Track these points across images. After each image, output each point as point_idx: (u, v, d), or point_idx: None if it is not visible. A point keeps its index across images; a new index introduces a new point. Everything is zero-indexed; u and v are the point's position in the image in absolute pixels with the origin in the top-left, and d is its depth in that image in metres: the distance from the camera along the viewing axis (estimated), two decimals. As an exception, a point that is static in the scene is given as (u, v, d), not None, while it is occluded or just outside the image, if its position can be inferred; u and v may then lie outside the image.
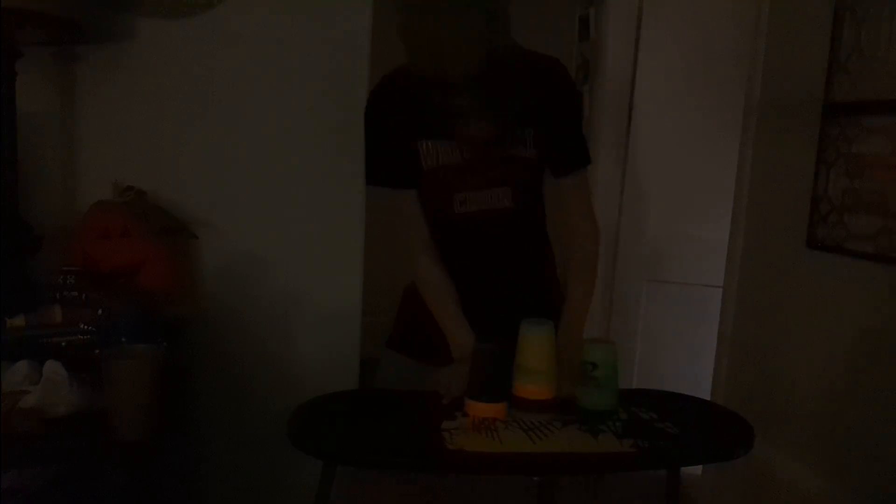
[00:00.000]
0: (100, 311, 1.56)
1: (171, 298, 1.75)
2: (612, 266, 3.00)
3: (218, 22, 1.94)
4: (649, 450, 1.23)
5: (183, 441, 1.82)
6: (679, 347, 2.94)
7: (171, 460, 1.53)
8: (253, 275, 2.05)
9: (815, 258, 1.99)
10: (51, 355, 1.36)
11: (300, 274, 2.07)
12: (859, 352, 1.83)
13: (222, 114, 1.97)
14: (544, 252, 1.66)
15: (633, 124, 2.94)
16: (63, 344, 1.51)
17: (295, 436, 1.25)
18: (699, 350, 2.70)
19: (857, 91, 1.85)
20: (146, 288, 1.69)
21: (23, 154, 1.70)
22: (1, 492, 1.04)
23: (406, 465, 1.30)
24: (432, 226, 1.54)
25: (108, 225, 1.74)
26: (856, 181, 1.84)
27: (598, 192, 2.91)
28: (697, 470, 2.51)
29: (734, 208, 2.44)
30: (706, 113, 2.81)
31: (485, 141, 1.44)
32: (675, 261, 2.93)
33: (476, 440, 1.24)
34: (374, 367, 1.71)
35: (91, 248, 1.71)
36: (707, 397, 2.35)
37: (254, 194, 2.03)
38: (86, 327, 1.54)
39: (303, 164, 2.04)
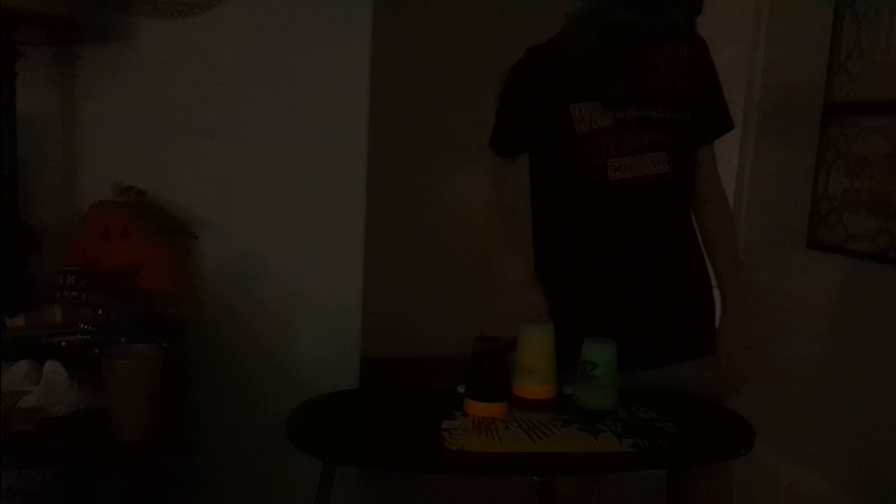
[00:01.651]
0: (100, 311, 1.56)
1: (171, 298, 1.75)
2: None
3: (218, 22, 1.94)
4: (649, 450, 1.23)
5: (183, 441, 1.81)
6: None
7: (171, 460, 1.53)
8: (253, 275, 2.05)
9: (815, 258, 1.99)
10: (51, 355, 1.36)
11: (300, 274, 2.07)
12: (859, 351, 1.83)
13: (222, 114, 1.97)
14: (691, 224, 1.58)
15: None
16: (63, 344, 1.51)
17: (294, 436, 1.25)
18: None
19: (857, 91, 1.85)
20: (146, 288, 1.69)
21: (23, 154, 1.70)
22: (1, 492, 1.04)
23: (406, 465, 1.30)
24: (582, 196, 1.47)
25: (108, 225, 1.74)
26: (856, 181, 1.84)
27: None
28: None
29: (734, 208, 2.44)
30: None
31: (640, 102, 1.39)
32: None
33: (476, 440, 1.24)
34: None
35: (91, 248, 1.71)
36: (707, 397, 2.35)
37: (254, 194, 2.02)
38: (86, 327, 1.54)
39: (303, 163, 2.04)
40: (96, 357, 1.32)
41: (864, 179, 1.81)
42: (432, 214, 4.14)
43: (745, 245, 2.38)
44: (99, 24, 1.85)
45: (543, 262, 1.59)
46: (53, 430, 1.21)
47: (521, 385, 1.37)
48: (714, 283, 1.59)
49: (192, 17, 1.93)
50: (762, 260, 2.31)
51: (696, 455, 1.36)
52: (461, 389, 1.38)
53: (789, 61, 2.20)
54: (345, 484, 2.03)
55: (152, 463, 1.25)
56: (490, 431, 1.27)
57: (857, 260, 1.82)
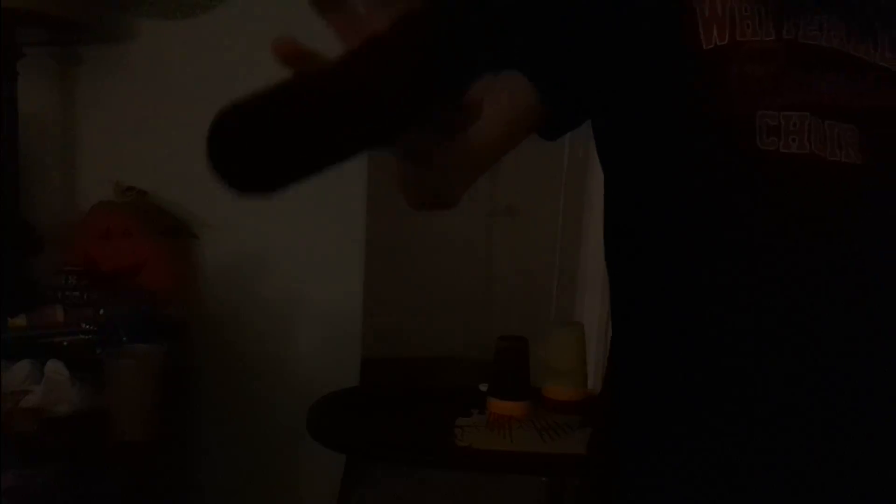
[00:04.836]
0: (101, 311, 1.56)
1: (172, 298, 1.75)
2: (613, 266, 3.00)
3: (219, 22, 1.94)
4: None
5: (183, 441, 1.82)
6: (679, 347, 2.93)
7: (172, 460, 1.54)
8: (254, 275, 2.06)
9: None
10: (52, 355, 1.36)
11: (301, 273, 2.08)
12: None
13: (223, 114, 1.98)
14: None
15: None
16: (64, 344, 1.51)
17: (314, 429, 1.27)
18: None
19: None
20: (147, 288, 1.70)
21: (24, 154, 1.70)
22: (1, 491, 1.04)
23: (413, 459, 1.31)
24: (698, 180, 0.69)
25: (109, 225, 1.75)
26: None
27: (596, 191, 2.91)
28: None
29: None
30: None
31: (849, 14, 0.70)
32: (676, 261, 2.93)
33: (487, 438, 1.25)
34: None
35: (92, 249, 1.71)
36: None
37: (254, 194, 2.03)
38: (87, 327, 1.55)
39: (303, 164, 2.04)
40: (98, 357, 1.32)
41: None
42: (432, 214, 4.15)
43: None
44: (100, 25, 1.85)
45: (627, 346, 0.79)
46: (55, 429, 1.22)
47: (550, 386, 1.37)
48: None
49: (193, 18, 1.93)
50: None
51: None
52: (483, 388, 1.38)
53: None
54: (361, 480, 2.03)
55: (153, 462, 1.25)
56: (503, 430, 1.28)
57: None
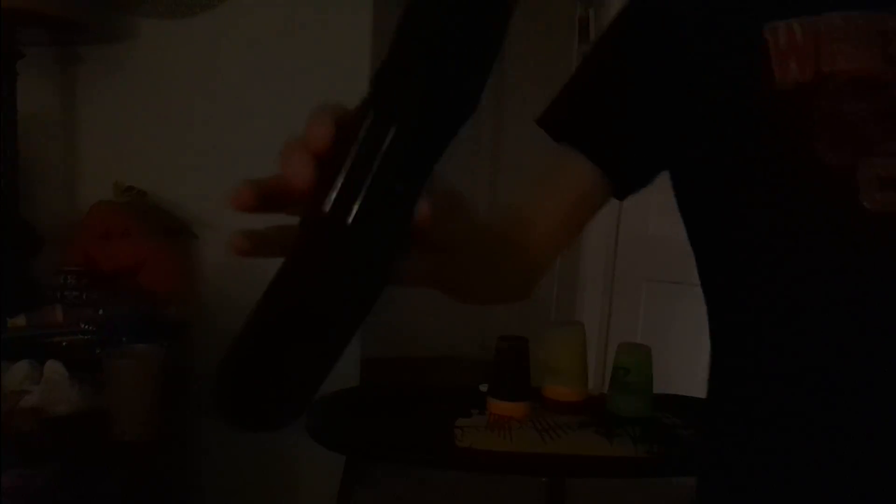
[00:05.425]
0: (101, 311, 1.56)
1: (172, 298, 1.75)
2: (612, 266, 3.00)
3: (219, 22, 1.94)
4: (663, 456, 1.22)
5: (183, 441, 1.82)
6: (679, 347, 2.93)
7: (172, 460, 1.54)
8: (253, 275, 2.05)
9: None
10: (52, 355, 1.36)
11: (301, 274, 2.07)
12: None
13: (223, 114, 1.97)
14: None
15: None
16: (64, 344, 1.51)
17: (314, 429, 1.27)
18: (699, 350, 2.69)
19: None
20: (147, 288, 1.70)
21: (24, 154, 1.70)
22: (1, 491, 1.04)
23: (413, 460, 1.31)
24: (791, 254, 0.57)
25: (109, 225, 1.75)
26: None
27: (598, 193, 2.91)
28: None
29: None
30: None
31: None
32: (675, 261, 2.93)
33: (487, 438, 1.25)
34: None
35: (92, 249, 1.71)
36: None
37: (254, 194, 2.03)
38: (87, 327, 1.54)
39: (303, 164, 2.04)
40: (97, 357, 1.32)
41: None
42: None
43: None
44: (100, 25, 1.85)
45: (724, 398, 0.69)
46: (54, 429, 1.22)
47: (550, 386, 1.37)
48: None
49: (193, 17, 1.93)
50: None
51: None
52: (483, 388, 1.39)
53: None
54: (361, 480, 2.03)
55: (152, 462, 1.25)
56: (503, 431, 1.28)
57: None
